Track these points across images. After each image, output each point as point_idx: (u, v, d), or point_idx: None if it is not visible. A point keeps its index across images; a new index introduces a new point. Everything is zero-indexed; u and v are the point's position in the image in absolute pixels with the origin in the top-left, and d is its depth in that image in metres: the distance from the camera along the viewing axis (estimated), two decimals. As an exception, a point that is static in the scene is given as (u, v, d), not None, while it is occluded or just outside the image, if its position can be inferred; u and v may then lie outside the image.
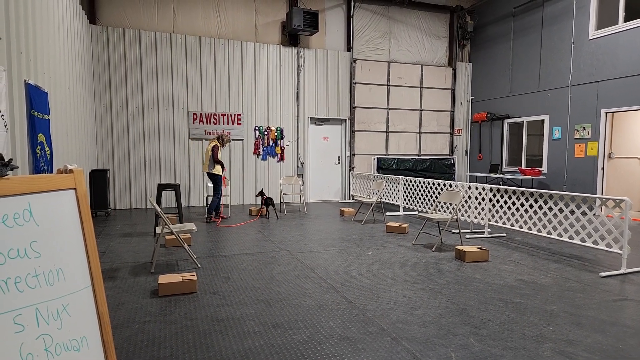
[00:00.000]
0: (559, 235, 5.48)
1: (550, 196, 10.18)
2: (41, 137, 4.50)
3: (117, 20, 8.97)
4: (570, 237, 5.81)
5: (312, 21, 9.90)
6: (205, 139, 9.77)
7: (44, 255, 1.34)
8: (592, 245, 4.86)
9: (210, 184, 7.93)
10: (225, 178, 7.55)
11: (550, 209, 9.31)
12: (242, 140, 10.14)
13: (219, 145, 7.61)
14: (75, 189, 1.51)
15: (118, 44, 8.92)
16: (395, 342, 2.79)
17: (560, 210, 8.79)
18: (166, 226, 4.43)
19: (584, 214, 9.11)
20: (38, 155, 4.35)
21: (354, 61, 11.09)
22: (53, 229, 1.40)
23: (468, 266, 4.74)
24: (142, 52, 9.12)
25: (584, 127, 9.21)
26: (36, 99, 4.38)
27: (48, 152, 4.85)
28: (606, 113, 8.78)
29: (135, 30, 9.03)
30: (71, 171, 1.53)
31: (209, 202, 9.28)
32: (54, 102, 5.45)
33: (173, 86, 9.44)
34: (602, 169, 8.89)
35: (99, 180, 7.89)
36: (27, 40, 4.36)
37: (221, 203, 7.82)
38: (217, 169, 7.54)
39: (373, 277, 4.27)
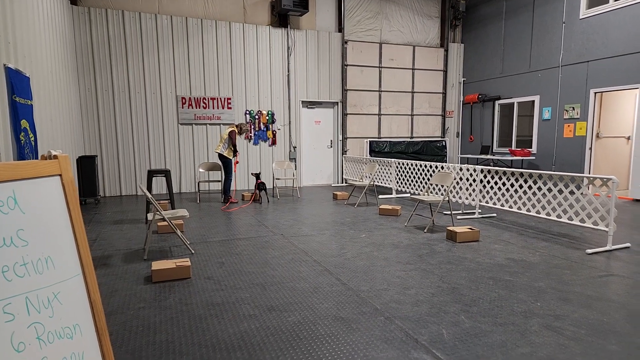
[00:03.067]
0: (548, 214, 5.55)
1: (540, 176, 10.29)
2: (24, 123, 4.40)
3: (99, 1, 8.70)
4: (558, 216, 5.90)
5: (302, 1, 9.70)
6: (195, 124, 9.65)
7: (31, 244, 1.32)
8: (579, 224, 4.94)
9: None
10: (237, 163, 8.01)
11: (539, 188, 9.43)
12: (232, 124, 10.02)
13: (236, 131, 8.01)
14: (60, 175, 1.48)
15: (101, 26, 8.67)
16: (389, 321, 2.83)
17: (549, 190, 8.90)
18: (158, 212, 4.40)
19: (571, 193, 9.25)
20: (22, 142, 4.26)
21: (346, 42, 10.95)
22: (40, 216, 1.37)
23: (459, 246, 4.80)
24: (126, 34, 8.89)
25: (573, 108, 9.26)
26: (17, 84, 4.26)
27: (32, 138, 4.75)
28: (595, 93, 8.82)
29: (118, 11, 8.78)
30: (55, 157, 1.50)
31: (201, 188, 9.25)
32: (37, 87, 5.32)
33: (160, 69, 9.25)
34: (590, 148, 8.99)
35: (86, 167, 7.78)
36: (6, 23, 4.21)
37: (232, 188, 8.18)
38: (229, 153, 7.91)
39: (366, 259, 4.31)
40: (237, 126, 8.06)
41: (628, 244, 4.77)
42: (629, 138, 9.44)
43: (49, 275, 1.37)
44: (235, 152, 7.90)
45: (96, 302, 1.48)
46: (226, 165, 7.91)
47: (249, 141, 10.24)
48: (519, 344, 2.51)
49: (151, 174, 6.56)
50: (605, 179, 4.60)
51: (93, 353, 1.45)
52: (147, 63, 9.13)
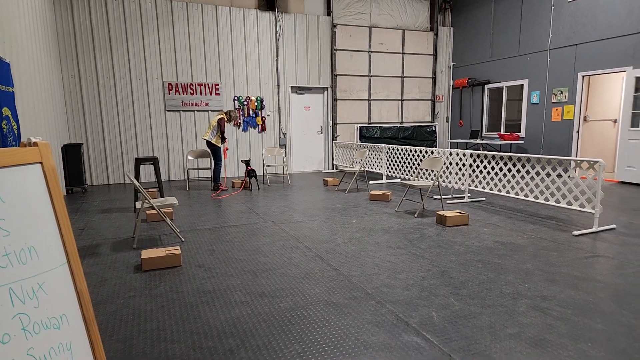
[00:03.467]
0: (535, 197, 5.62)
1: (528, 160, 10.40)
2: (6, 111, 4.27)
3: (81, -15, 8.43)
4: (546, 199, 5.98)
5: (289, -16, 9.50)
6: (183, 110, 9.50)
7: (13, 234, 1.28)
8: (566, 206, 5.01)
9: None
10: (226, 149, 7.96)
11: (527, 172, 9.53)
12: (221, 111, 9.89)
13: (225, 118, 7.87)
14: (41, 162, 1.43)
15: (83, 10, 8.41)
16: (380, 305, 2.86)
17: (537, 174, 9.02)
18: (146, 201, 4.35)
19: (559, 176, 9.37)
20: (4, 130, 4.15)
21: (335, 26, 10.80)
22: (21, 205, 1.33)
23: (449, 230, 4.85)
24: (109, 18, 8.65)
25: (561, 91, 9.32)
26: (-2, 71, 4.13)
27: (15, 126, 4.63)
28: (583, 76, 8.87)
29: (101, -4, 8.52)
30: (35, 144, 1.45)
31: (190, 176, 9.18)
32: (18, 74, 5.17)
33: (145, 55, 9.04)
34: (578, 131, 9.08)
35: (72, 155, 7.63)
36: (-17, 7, 4.06)
37: (222, 175, 8.15)
38: (217, 140, 7.77)
39: (357, 245, 4.32)
40: (226, 113, 7.95)
41: (614, 226, 4.85)
42: (615, 121, 9.55)
43: (32, 265, 1.34)
44: (223, 139, 7.81)
45: (83, 292, 1.45)
46: (215, 152, 7.83)
47: (238, 128, 10.13)
48: (507, 325, 2.55)
49: (139, 161, 6.46)
50: (592, 162, 4.66)
51: (81, 343, 1.43)
52: (132, 48, 8.91)
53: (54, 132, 7.20)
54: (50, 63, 7.28)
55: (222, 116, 7.81)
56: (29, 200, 1.36)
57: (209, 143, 7.77)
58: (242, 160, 8.13)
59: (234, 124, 10.04)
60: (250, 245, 4.35)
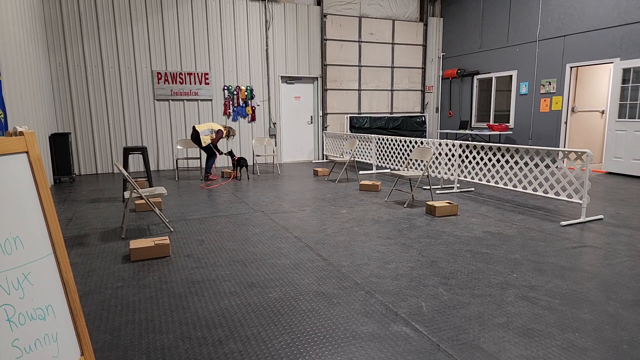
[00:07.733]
0: (524, 187, 5.68)
1: (516, 150, 10.51)
2: (-11, 99, 4.17)
3: (65, -31, 8.20)
4: (534, 190, 6.05)
5: (279, -28, 9.36)
6: (172, 100, 9.37)
7: (-4, 224, 1.25)
8: (554, 197, 5.08)
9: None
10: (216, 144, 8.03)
11: (516, 163, 9.63)
12: (210, 100, 9.79)
13: (224, 132, 7.80)
14: (27, 152, 1.40)
15: (68, -4, 8.20)
16: (369, 295, 2.88)
17: (526, 164, 9.12)
18: (135, 190, 4.30)
19: (547, 166, 9.49)
20: (-13, 119, 4.05)
21: (325, 16, 10.70)
22: (6, 195, 1.30)
23: (438, 220, 4.89)
24: (97, 5, 8.44)
25: (549, 82, 9.39)
26: (-21, 57, 4.01)
27: (2, 116, 4.52)
28: (571, 67, 8.95)
29: (86, -19, 8.31)
30: (21, 133, 1.41)
31: (179, 165, 9.11)
32: (4, 62, 5.03)
33: (134, 43, 8.87)
34: (566, 122, 9.18)
35: (60, 144, 7.50)
36: (-38, -10, 3.92)
37: (214, 165, 8.19)
38: (205, 140, 7.66)
39: (347, 235, 4.34)
40: (225, 127, 7.89)
41: (601, 216, 4.94)
42: (603, 112, 9.68)
43: (18, 256, 1.31)
44: (217, 150, 7.83)
45: (69, 282, 1.43)
46: (208, 149, 7.80)
47: (228, 117, 10.04)
48: (495, 315, 2.59)
49: (127, 151, 6.37)
50: (579, 153, 4.72)
51: (67, 334, 1.42)
52: (121, 37, 8.73)
53: (42, 121, 7.05)
54: (37, 51, 7.10)
55: (221, 128, 7.76)
56: (14, 190, 1.33)
57: (197, 140, 7.67)
58: (226, 153, 8.10)
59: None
60: (240, 235, 4.34)
